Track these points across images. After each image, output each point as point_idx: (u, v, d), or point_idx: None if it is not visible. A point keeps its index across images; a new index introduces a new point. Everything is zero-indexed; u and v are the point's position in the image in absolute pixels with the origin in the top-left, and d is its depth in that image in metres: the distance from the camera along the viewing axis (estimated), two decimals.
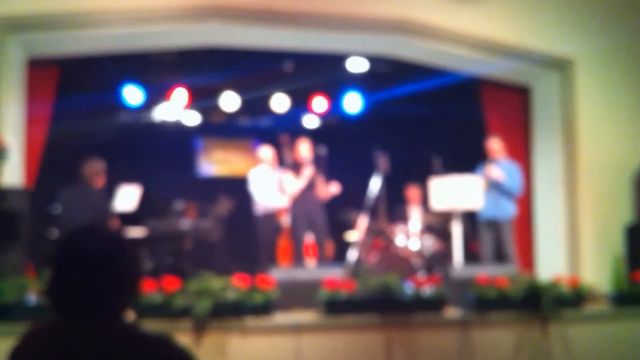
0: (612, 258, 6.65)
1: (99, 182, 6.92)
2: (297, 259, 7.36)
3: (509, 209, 7.37)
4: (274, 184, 7.88)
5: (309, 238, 7.64)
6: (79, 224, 1.96)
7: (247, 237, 8.47)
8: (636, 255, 7.04)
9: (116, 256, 1.89)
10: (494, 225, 7.36)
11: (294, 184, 7.43)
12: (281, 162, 8.13)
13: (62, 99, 7.17)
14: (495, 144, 7.50)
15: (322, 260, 7.47)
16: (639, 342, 5.60)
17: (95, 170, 6.89)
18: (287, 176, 7.52)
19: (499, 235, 7.34)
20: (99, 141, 8.57)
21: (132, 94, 9.20)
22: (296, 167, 7.55)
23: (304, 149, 7.58)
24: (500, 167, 7.36)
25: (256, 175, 8.05)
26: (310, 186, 7.51)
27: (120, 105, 9.39)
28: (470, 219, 7.62)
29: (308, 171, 7.45)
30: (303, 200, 7.44)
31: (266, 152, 8.13)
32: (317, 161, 7.66)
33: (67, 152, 7.56)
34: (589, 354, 5.44)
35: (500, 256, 7.30)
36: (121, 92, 9.15)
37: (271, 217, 8.01)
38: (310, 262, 7.66)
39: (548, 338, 5.39)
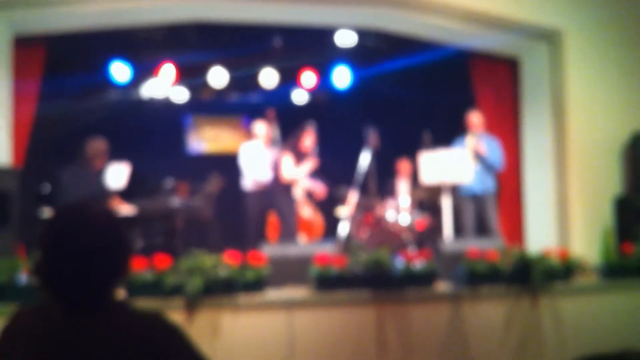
0: (602, 230, 6.68)
1: (99, 163, 6.84)
2: (284, 235, 7.36)
3: (488, 183, 7.42)
4: (265, 160, 7.83)
5: (303, 213, 7.67)
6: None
7: (238, 214, 8.46)
8: (625, 228, 7.09)
9: (106, 234, 1.88)
10: (477, 199, 7.40)
11: (292, 170, 7.40)
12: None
13: (49, 77, 7.10)
14: (475, 118, 7.55)
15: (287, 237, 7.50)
16: (628, 313, 5.65)
17: (98, 150, 6.80)
18: (287, 158, 7.46)
19: (481, 209, 7.39)
20: (87, 119, 8.52)
21: (120, 71, 9.14)
22: (299, 156, 7.51)
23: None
24: (481, 141, 7.40)
25: (248, 149, 8.01)
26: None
27: (108, 83, 9.33)
28: (453, 193, 7.65)
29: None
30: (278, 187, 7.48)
31: (261, 127, 8.05)
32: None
33: (56, 131, 7.52)
34: (578, 326, 5.49)
35: (482, 230, 7.34)
36: (108, 69, 9.08)
37: (260, 193, 7.98)
38: (302, 238, 7.67)
39: (538, 311, 5.43)
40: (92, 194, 6.47)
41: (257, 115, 8.31)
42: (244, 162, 7.92)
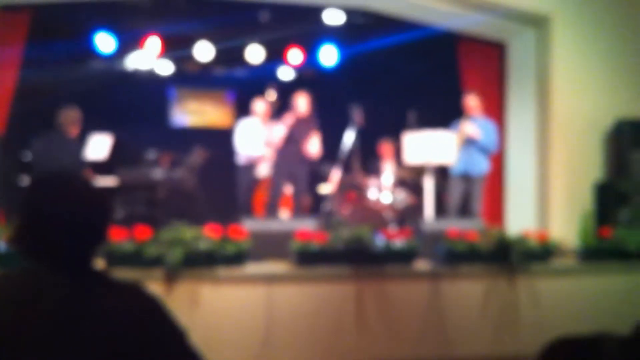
0: (581, 214, 6.73)
1: (74, 131, 6.80)
2: (271, 209, 7.33)
3: (482, 165, 7.43)
4: (261, 137, 7.80)
5: (286, 190, 7.64)
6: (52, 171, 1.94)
7: (221, 188, 8.45)
8: (605, 212, 7.15)
9: (83, 202, 1.87)
10: (466, 180, 7.43)
11: (276, 131, 7.27)
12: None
13: (33, 46, 7.02)
14: (472, 101, 7.52)
15: (298, 212, 7.44)
16: (605, 296, 5.71)
17: (71, 118, 6.75)
18: (277, 127, 7.35)
19: (469, 190, 7.42)
20: (70, 89, 8.43)
21: (104, 42, 9.03)
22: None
23: (302, 103, 7.38)
24: (477, 124, 7.39)
25: (245, 126, 7.99)
26: (298, 139, 7.36)
27: (92, 53, 9.22)
28: (442, 173, 7.68)
29: (288, 120, 7.26)
30: (286, 152, 7.32)
31: (260, 105, 8.06)
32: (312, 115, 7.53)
33: (38, 99, 7.45)
34: (555, 306, 5.55)
35: (466, 210, 7.38)
36: (93, 39, 8.97)
37: (251, 168, 7.98)
38: (284, 214, 7.67)
39: (516, 291, 5.49)
40: (66, 161, 6.41)
41: (245, 91, 8.26)
42: (239, 138, 7.90)
